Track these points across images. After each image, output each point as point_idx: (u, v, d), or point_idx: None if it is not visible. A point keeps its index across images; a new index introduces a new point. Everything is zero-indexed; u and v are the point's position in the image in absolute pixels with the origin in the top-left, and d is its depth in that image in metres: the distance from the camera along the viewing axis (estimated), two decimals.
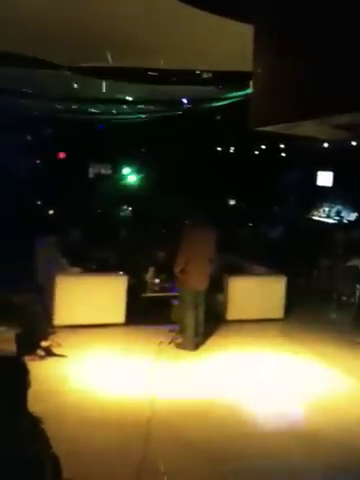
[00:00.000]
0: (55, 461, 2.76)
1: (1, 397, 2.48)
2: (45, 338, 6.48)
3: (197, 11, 3.68)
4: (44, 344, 6.35)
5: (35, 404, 2.64)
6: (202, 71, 5.74)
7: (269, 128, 2.83)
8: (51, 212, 14.88)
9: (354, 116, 2.22)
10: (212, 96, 7.76)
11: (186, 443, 4.73)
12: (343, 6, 2.25)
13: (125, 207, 16.61)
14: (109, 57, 5.52)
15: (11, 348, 5.81)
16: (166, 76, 6.18)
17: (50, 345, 6.42)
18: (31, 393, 2.60)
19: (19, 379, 2.59)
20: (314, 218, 16.86)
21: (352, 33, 2.10)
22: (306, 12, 2.38)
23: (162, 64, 5.83)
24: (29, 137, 17.32)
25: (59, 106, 10.06)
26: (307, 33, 2.31)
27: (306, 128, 2.79)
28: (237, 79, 5.17)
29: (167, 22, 4.36)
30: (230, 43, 4.24)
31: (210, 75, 5.71)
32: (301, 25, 2.35)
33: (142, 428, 4.83)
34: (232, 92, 6.72)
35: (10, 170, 15.98)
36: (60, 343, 6.53)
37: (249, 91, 2.96)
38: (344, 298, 9.57)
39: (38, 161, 18.40)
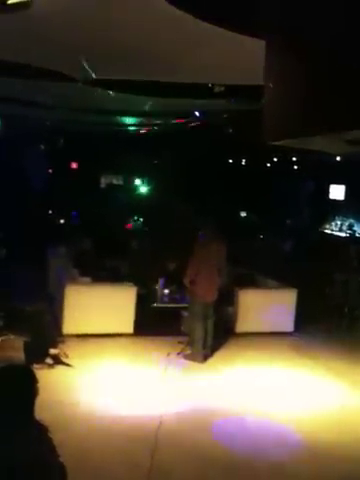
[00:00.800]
0: (61, 469, 2.76)
1: (10, 404, 2.49)
2: (54, 346, 6.49)
3: (211, 27, 3.72)
4: (52, 352, 6.35)
5: (43, 413, 2.64)
6: (214, 85, 5.78)
7: (281, 142, 2.85)
8: (62, 222, 14.98)
9: None
10: (224, 109, 7.80)
11: (194, 455, 4.71)
12: (355, 20, 2.26)
13: (136, 218, 16.67)
14: (123, 71, 5.58)
15: (20, 356, 5.83)
16: (179, 89, 6.22)
17: (58, 353, 6.43)
18: (39, 402, 2.61)
19: (27, 386, 2.60)
20: (326, 231, 16.79)
21: None
22: (318, 26, 2.40)
23: (176, 78, 5.88)
24: (42, 147, 17.48)
25: (72, 117, 10.17)
26: (319, 47, 2.32)
27: (318, 142, 2.79)
28: (249, 93, 5.20)
29: (181, 37, 4.40)
30: (242, 58, 4.27)
31: (222, 89, 5.75)
32: (313, 39, 2.37)
33: (150, 439, 4.82)
34: (244, 106, 6.76)
35: (23, 180, 16.13)
36: (67, 354, 6.53)
37: (260, 105, 2.98)
38: (357, 312, 9.49)
39: (50, 171, 18.55)
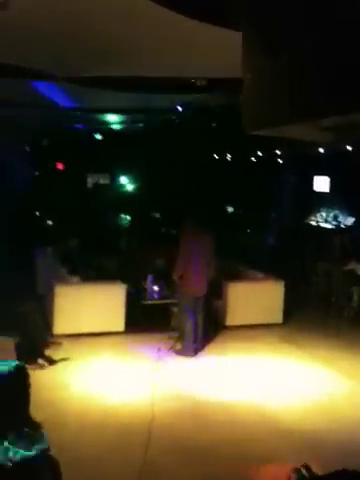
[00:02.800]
0: (55, 465, 2.79)
1: (4, 402, 2.51)
2: (45, 347, 6.50)
3: (190, 20, 3.76)
4: (43, 354, 6.36)
5: (36, 411, 2.67)
6: (196, 79, 5.81)
7: (260, 132, 2.90)
8: (50, 222, 14.94)
9: (340, 119, 2.28)
10: (207, 103, 7.83)
11: (186, 448, 4.76)
12: (331, 8, 2.30)
13: (123, 215, 16.67)
14: (105, 67, 5.59)
15: (11, 357, 5.82)
16: (161, 84, 6.25)
17: (49, 355, 6.44)
18: (32, 401, 2.64)
19: (21, 383, 2.62)
20: (311, 223, 16.90)
21: (339, 35, 2.16)
22: (293, 15, 2.44)
23: (157, 73, 5.91)
24: (27, 148, 17.40)
25: (56, 116, 10.15)
26: (294, 36, 2.37)
27: (294, 131, 2.85)
28: (231, 85, 5.24)
29: (161, 33, 4.43)
30: (222, 50, 4.32)
31: (204, 83, 5.79)
32: (289, 29, 2.41)
33: (143, 434, 4.86)
34: (226, 99, 6.79)
35: (8, 181, 16.04)
36: (59, 353, 6.54)
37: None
38: (342, 302, 9.60)
39: (36, 172, 18.48)
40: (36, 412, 2.66)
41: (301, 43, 2.35)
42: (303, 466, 2.60)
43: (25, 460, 2.45)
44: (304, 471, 2.57)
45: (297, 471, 2.58)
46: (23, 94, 7.66)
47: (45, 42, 4.82)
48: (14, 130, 13.32)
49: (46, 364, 6.35)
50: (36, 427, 2.61)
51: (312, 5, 2.28)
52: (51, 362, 6.41)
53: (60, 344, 7.07)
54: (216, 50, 4.60)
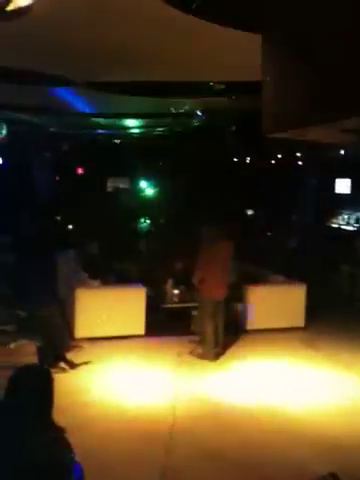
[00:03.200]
0: (79, 469, 2.80)
1: (28, 405, 2.53)
2: (66, 351, 6.54)
3: (208, 24, 3.76)
4: (65, 358, 6.40)
5: (58, 415, 2.68)
6: (215, 83, 5.80)
7: (280, 134, 2.88)
8: (70, 227, 15.06)
9: None
10: (226, 107, 7.82)
11: (207, 451, 4.73)
12: (350, 10, 2.28)
13: (143, 220, 16.72)
14: (123, 72, 5.62)
15: (33, 361, 5.87)
16: (180, 89, 6.25)
17: (71, 359, 6.47)
18: (54, 405, 2.65)
19: (46, 387, 2.64)
20: (333, 226, 16.74)
21: (357, 35, 2.14)
22: (313, 16, 2.42)
23: (175, 77, 5.92)
24: (47, 154, 17.60)
25: (76, 122, 10.24)
26: (313, 37, 2.35)
27: (314, 133, 2.82)
28: (250, 89, 5.22)
29: (179, 36, 4.44)
30: (241, 53, 4.31)
31: (223, 87, 5.77)
32: (308, 31, 2.39)
33: (164, 437, 4.85)
34: (245, 102, 6.77)
35: (30, 186, 16.25)
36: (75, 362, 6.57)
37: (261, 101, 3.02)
38: None
39: (57, 177, 18.67)
40: (58, 415, 2.67)
41: (326, 45, 2.32)
42: (330, 474, 2.56)
43: (50, 464, 2.46)
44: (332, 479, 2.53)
45: (324, 479, 2.54)
46: (42, 100, 7.74)
47: (63, 47, 4.87)
48: (35, 135, 13.47)
49: (67, 368, 6.39)
50: (60, 431, 2.62)
51: (338, 7, 2.26)
52: (73, 366, 6.45)
53: (81, 348, 7.12)
54: (234, 53, 4.59)
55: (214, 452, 4.74)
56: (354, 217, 16.22)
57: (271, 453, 4.78)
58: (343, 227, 16.24)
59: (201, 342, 7.19)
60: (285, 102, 2.54)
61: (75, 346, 7.10)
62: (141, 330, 7.82)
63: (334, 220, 16.88)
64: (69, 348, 6.85)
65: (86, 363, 6.58)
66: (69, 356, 6.59)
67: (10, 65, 5.49)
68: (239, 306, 8.34)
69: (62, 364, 6.38)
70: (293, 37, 2.47)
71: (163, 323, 8.00)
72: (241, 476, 4.40)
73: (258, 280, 8.88)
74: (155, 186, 20.15)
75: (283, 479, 4.40)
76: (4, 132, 9.61)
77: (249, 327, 8.29)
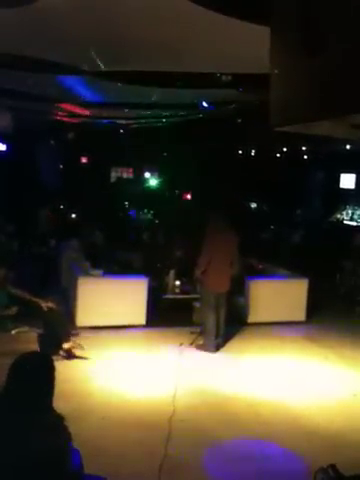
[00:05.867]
0: (78, 457, 2.82)
1: (29, 390, 2.54)
2: (67, 340, 6.55)
3: (216, 15, 3.73)
4: (66, 346, 6.41)
5: (59, 403, 2.69)
6: (222, 74, 5.77)
7: (287, 128, 2.86)
8: (74, 216, 15.07)
9: None
10: (233, 99, 7.78)
11: (207, 442, 4.76)
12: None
13: (146, 210, 16.73)
14: (129, 61, 5.59)
15: (34, 348, 5.89)
16: (186, 79, 6.22)
17: (72, 347, 6.49)
18: (55, 393, 2.66)
19: (46, 374, 2.65)
20: (337, 220, 16.72)
21: None
22: (323, 9, 2.39)
23: (182, 68, 5.88)
24: (52, 142, 17.58)
25: (82, 111, 10.20)
26: (323, 31, 2.33)
27: (323, 127, 2.80)
28: (257, 81, 5.19)
29: (187, 26, 4.41)
30: (249, 45, 4.28)
31: (230, 78, 5.74)
32: (318, 23, 2.37)
33: (164, 427, 4.88)
34: (252, 95, 6.74)
35: (34, 174, 16.24)
36: (82, 345, 6.58)
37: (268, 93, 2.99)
38: None
39: (61, 166, 18.65)
40: (58, 403, 2.69)
41: (330, 35, 2.30)
42: (330, 466, 2.57)
43: (49, 450, 2.48)
44: (331, 471, 2.54)
45: (323, 471, 2.56)
46: (49, 88, 7.72)
47: (70, 35, 4.84)
48: (40, 124, 13.45)
49: (68, 357, 6.41)
50: (59, 419, 2.64)
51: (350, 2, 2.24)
52: (71, 355, 6.45)
53: (82, 337, 7.13)
54: (242, 44, 4.55)
55: (213, 443, 4.77)
56: (358, 212, 16.20)
57: (271, 444, 4.80)
58: (347, 222, 16.23)
59: (202, 333, 7.21)
60: (293, 95, 2.53)
61: (76, 334, 7.12)
62: (142, 320, 7.85)
63: (338, 215, 16.87)
64: (70, 337, 6.86)
65: (84, 353, 6.52)
66: (69, 345, 6.56)
67: (17, 53, 5.46)
68: (241, 299, 8.36)
69: (62, 353, 6.39)
70: (302, 29, 2.45)
71: (165, 314, 8.03)
72: (239, 467, 4.42)
73: (260, 273, 8.89)
74: (159, 177, 20.13)
75: (281, 471, 4.42)
76: (9, 121, 9.59)
77: (250, 320, 8.31)
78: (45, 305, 6.42)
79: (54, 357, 5.83)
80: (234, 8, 3.21)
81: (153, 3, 3.83)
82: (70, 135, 15.80)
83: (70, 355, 6.42)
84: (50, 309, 6.52)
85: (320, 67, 2.34)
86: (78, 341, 6.71)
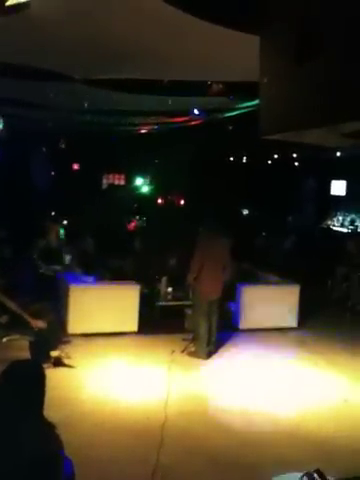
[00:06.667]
0: (69, 465, 2.80)
1: (19, 398, 2.53)
2: (55, 348, 6.47)
3: (207, 24, 3.76)
4: (53, 354, 6.35)
5: (50, 411, 2.67)
6: (213, 82, 5.81)
7: (277, 136, 2.89)
8: (65, 222, 15.01)
9: None
10: (224, 107, 7.83)
11: (199, 450, 4.75)
12: (350, 11, 2.28)
13: (138, 217, 16.72)
14: (122, 70, 5.61)
15: (25, 356, 5.86)
16: (178, 87, 6.25)
17: (60, 356, 6.43)
18: (46, 400, 2.65)
19: (37, 382, 2.64)
20: (328, 227, 16.81)
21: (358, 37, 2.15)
22: (313, 18, 2.42)
23: (174, 76, 5.92)
24: (43, 149, 17.55)
25: (73, 118, 10.21)
26: (313, 41, 2.36)
27: (313, 136, 2.83)
28: (248, 89, 5.23)
29: (178, 35, 4.44)
30: (240, 54, 4.32)
31: (221, 86, 5.78)
32: (308, 32, 2.40)
33: (155, 435, 4.86)
34: (243, 102, 6.79)
35: (25, 180, 16.18)
36: (70, 355, 6.54)
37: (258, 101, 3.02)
38: (359, 306, 9.54)
39: (53, 173, 18.61)
40: (49, 411, 2.67)
41: (326, 49, 2.33)
42: (315, 471, 2.57)
43: (41, 459, 2.47)
44: (316, 476, 2.55)
45: (309, 476, 2.56)
46: (40, 96, 7.72)
47: (61, 43, 4.86)
48: (31, 130, 13.43)
49: (55, 364, 6.35)
50: (51, 427, 2.63)
51: (339, 10, 2.27)
52: (61, 363, 6.38)
53: (74, 344, 7.09)
54: (233, 53, 4.60)
55: (205, 450, 4.76)
56: (349, 219, 16.31)
57: (261, 452, 4.80)
58: (338, 229, 16.32)
59: (194, 340, 7.21)
60: (282, 104, 2.55)
61: (68, 342, 7.09)
62: (134, 327, 7.84)
63: (329, 221, 16.97)
64: (59, 345, 6.81)
65: (72, 366, 6.45)
66: (61, 352, 6.52)
67: (8, 60, 5.47)
68: (232, 305, 8.37)
69: (53, 360, 6.34)
70: (291, 39, 2.48)
71: (156, 321, 8.02)
72: (231, 474, 4.42)
73: (252, 279, 8.91)
74: (150, 183, 20.14)
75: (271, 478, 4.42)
76: (1, 126, 9.58)
77: (242, 326, 8.32)
78: (35, 325, 6.25)
79: (45, 365, 5.88)
80: (225, 18, 3.24)
81: (144, 12, 3.86)
82: (61, 142, 15.77)
83: (57, 363, 6.36)
84: (41, 316, 6.47)
85: (310, 76, 2.37)
86: (66, 350, 6.67)
